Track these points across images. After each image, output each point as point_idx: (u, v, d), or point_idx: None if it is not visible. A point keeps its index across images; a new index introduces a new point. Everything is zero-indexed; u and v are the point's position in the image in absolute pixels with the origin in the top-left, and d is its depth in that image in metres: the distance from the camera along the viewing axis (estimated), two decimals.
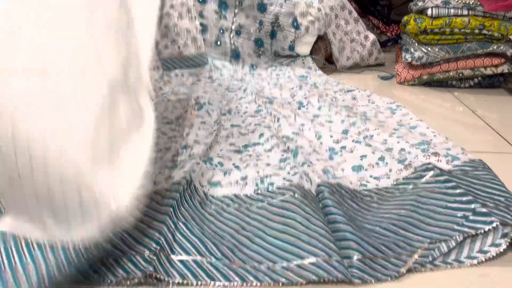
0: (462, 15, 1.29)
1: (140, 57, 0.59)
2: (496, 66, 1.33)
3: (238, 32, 1.54)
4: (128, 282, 0.57)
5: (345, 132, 1.02)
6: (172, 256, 0.61)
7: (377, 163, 0.87)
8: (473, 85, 1.39)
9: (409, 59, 1.38)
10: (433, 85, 1.42)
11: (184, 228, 0.66)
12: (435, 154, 0.86)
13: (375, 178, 0.84)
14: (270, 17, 1.49)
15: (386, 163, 0.86)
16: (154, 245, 0.61)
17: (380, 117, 1.12)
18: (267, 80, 1.42)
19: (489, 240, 0.63)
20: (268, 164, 0.87)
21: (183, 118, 1.11)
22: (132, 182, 0.50)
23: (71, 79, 0.46)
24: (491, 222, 0.63)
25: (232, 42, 1.54)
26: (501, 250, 0.61)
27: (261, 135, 1.01)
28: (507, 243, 0.62)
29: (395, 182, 0.81)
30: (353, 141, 0.95)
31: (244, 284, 0.58)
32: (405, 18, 1.39)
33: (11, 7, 0.45)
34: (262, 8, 1.50)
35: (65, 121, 0.44)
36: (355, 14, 1.56)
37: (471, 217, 0.66)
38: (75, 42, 0.48)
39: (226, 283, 0.58)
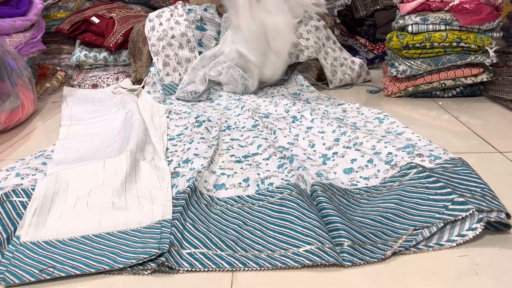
0: (440, 30, 1.39)
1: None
2: (476, 75, 1.42)
3: None
4: (144, 272, 0.64)
5: (337, 140, 1.09)
6: (182, 250, 0.68)
7: (366, 165, 0.94)
8: (455, 94, 1.48)
9: (395, 73, 1.47)
10: (418, 96, 1.51)
11: (192, 228, 0.73)
12: (419, 155, 0.93)
13: (364, 178, 0.91)
14: None
15: (375, 164, 0.93)
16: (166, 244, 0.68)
17: (369, 126, 1.20)
18: (263, 98, 1.51)
19: (467, 225, 0.70)
20: (267, 171, 0.95)
21: (184, 135, 1.19)
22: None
23: None
24: (468, 210, 0.70)
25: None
26: (477, 233, 0.68)
27: (259, 146, 1.08)
28: (482, 227, 0.68)
29: (382, 181, 0.88)
30: (343, 147, 1.03)
31: (246, 269, 0.64)
32: (389, 35, 1.49)
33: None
34: None
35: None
36: (338, 44, 1.69)
37: (450, 206, 0.73)
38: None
39: (230, 268, 0.65)
